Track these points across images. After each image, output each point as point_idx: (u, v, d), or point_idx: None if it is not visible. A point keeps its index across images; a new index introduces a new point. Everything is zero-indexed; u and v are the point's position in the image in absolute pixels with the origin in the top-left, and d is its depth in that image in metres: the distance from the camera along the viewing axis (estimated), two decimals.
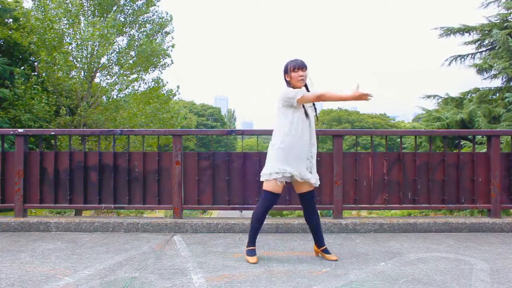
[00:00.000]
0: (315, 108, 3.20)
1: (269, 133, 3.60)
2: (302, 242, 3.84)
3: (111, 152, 4.62)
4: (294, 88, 3.09)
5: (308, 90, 3.14)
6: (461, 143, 10.94)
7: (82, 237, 4.07)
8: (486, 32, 13.68)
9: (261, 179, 3.13)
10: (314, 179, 3.15)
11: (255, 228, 3.17)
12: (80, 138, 16.04)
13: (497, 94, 13.19)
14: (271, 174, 3.05)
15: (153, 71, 19.37)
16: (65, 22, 16.81)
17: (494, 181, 4.52)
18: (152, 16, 19.46)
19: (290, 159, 3.03)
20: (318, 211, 3.36)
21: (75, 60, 17.06)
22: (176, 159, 4.50)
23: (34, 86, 16.12)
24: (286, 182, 3.10)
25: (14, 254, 3.38)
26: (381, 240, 3.92)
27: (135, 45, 18.30)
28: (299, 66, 3.06)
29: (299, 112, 3.06)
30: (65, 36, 16.82)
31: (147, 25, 19.33)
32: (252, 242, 3.19)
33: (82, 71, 17.32)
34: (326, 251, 3.22)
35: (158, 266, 3.01)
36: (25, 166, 4.58)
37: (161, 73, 21.70)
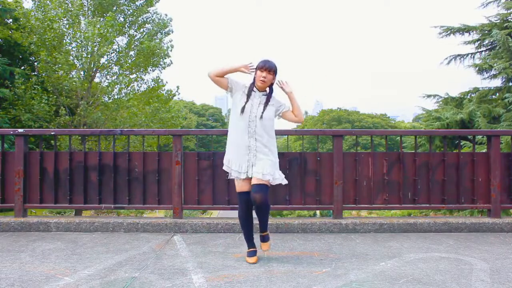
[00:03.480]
0: (264, 108, 3.12)
1: None
2: (302, 242, 3.84)
3: (111, 152, 4.62)
4: (256, 86, 3.16)
5: (271, 93, 3.19)
6: (461, 143, 10.94)
7: (82, 237, 4.07)
8: (486, 32, 13.66)
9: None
10: (260, 174, 3.02)
11: (243, 230, 3.27)
12: (80, 138, 16.04)
13: (497, 94, 13.18)
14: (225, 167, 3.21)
15: (153, 70, 19.36)
16: (65, 22, 16.81)
17: (494, 181, 4.52)
18: (152, 16, 19.46)
19: (233, 153, 3.13)
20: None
21: (75, 60, 17.07)
22: (176, 159, 4.50)
23: (34, 86, 16.11)
24: (248, 178, 3.09)
25: (14, 254, 3.38)
26: (381, 240, 3.92)
27: (134, 44, 18.29)
28: (265, 67, 3.10)
29: (235, 107, 3.16)
30: (65, 36, 16.82)
31: (147, 25, 19.33)
32: (248, 244, 3.25)
33: (82, 71, 17.32)
34: (262, 238, 3.22)
35: (158, 266, 3.01)
36: (25, 166, 4.58)
37: (161, 72, 21.60)
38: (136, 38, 18.66)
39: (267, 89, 3.22)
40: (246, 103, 3.11)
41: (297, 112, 3.24)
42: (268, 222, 4.22)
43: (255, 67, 3.13)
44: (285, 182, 3.16)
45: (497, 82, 13.44)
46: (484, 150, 8.00)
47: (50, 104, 16.46)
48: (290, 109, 3.27)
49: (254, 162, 3.06)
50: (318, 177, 4.56)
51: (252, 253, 3.19)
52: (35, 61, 17.99)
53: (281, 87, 3.22)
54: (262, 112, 3.10)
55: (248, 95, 3.14)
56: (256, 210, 3.16)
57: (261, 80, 3.11)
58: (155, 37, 19.16)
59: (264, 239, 3.22)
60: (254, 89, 3.19)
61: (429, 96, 14.80)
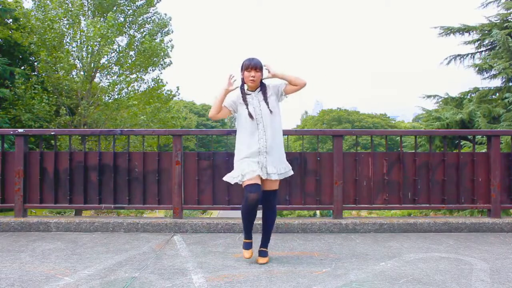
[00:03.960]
0: (266, 102, 3.10)
1: None
2: (302, 242, 3.84)
3: (111, 152, 4.62)
4: (248, 87, 3.16)
5: (264, 88, 3.16)
6: (461, 143, 10.93)
7: (82, 237, 4.07)
8: (486, 32, 13.67)
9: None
10: (275, 175, 3.06)
11: (244, 221, 3.13)
12: (80, 138, 16.04)
13: (497, 94, 13.19)
14: (230, 178, 3.13)
15: (153, 70, 19.39)
16: (65, 22, 16.82)
17: (494, 181, 4.52)
18: (152, 16, 19.49)
19: (243, 161, 3.07)
20: (277, 211, 3.31)
21: (77, 60, 17.09)
22: (176, 159, 4.50)
23: (35, 86, 16.13)
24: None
25: (14, 254, 3.38)
26: (381, 240, 3.92)
27: (134, 44, 18.31)
28: (252, 66, 3.08)
29: (242, 117, 3.13)
30: (66, 36, 16.83)
31: (147, 25, 19.35)
32: (246, 234, 3.17)
33: (82, 71, 17.33)
34: (261, 253, 3.18)
35: (158, 266, 3.01)
36: (25, 166, 4.58)
37: (161, 73, 21.63)
38: (136, 38, 18.68)
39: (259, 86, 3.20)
40: (247, 108, 3.10)
41: (294, 81, 3.12)
42: None
43: (235, 77, 3.13)
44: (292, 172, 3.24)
45: (497, 82, 13.46)
46: (484, 150, 8.00)
47: (51, 104, 16.48)
48: (286, 83, 3.20)
49: (265, 163, 3.04)
50: (318, 177, 4.56)
51: (249, 245, 3.14)
52: (35, 61, 18.01)
53: (264, 78, 3.19)
54: (268, 108, 3.09)
55: (245, 100, 3.13)
56: (264, 214, 3.19)
57: (251, 80, 3.09)
58: (155, 37, 19.18)
59: (263, 254, 3.18)
60: (247, 92, 3.17)
61: (429, 96, 14.81)
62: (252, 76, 3.08)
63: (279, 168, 3.09)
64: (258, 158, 3.04)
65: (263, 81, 3.21)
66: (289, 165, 3.23)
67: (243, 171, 3.02)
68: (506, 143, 10.01)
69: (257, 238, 3.38)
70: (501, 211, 4.55)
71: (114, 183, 4.58)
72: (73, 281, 2.66)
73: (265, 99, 3.12)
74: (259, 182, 3.02)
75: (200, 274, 2.83)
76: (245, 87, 3.22)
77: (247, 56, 3.21)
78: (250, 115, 3.07)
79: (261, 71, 3.12)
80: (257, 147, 3.05)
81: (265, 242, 3.22)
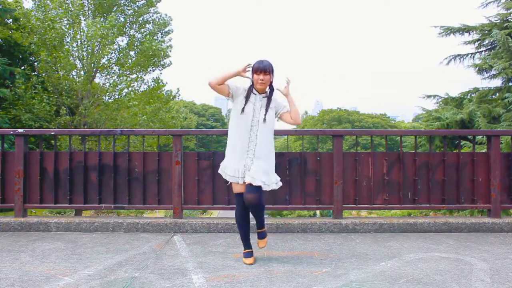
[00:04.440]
0: (266, 110, 3.10)
1: None
2: (302, 242, 3.84)
3: (111, 152, 4.62)
4: (256, 89, 3.14)
5: (271, 94, 3.16)
6: (461, 143, 10.94)
7: (82, 237, 4.07)
8: (486, 32, 13.66)
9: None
10: (252, 179, 2.97)
11: (239, 231, 3.25)
12: (80, 138, 16.04)
13: (497, 94, 13.18)
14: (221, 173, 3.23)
15: (153, 70, 19.38)
16: (66, 22, 16.82)
17: (494, 181, 4.52)
18: (152, 16, 19.49)
19: (230, 158, 3.13)
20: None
21: (77, 60, 17.10)
22: (176, 159, 4.50)
23: (35, 86, 16.14)
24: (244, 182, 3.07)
25: (14, 254, 3.38)
26: (381, 240, 3.92)
27: (135, 44, 18.31)
28: (261, 69, 3.06)
29: (236, 111, 3.12)
30: (66, 36, 16.83)
31: (147, 25, 19.35)
32: (245, 245, 3.23)
33: (82, 71, 17.33)
34: (259, 235, 3.23)
35: (158, 266, 3.01)
36: (25, 166, 4.58)
37: (161, 73, 21.65)
38: (136, 38, 18.67)
39: (268, 89, 3.19)
40: (245, 104, 3.08)
41: (294, 114, 3.22)
42: (268, 222, 4.27)
43: (250, 67, 3.10)
44: (278, 186, 3.14)
45: (497, 82, 13.45)
46: (484, 150, 8.00)
47: (51, 104, 16.49)
48: (288, 110, 3.24)
49: (250, 167, 3.03)
50: (318, 177, 4.56)
51: (249, 254, 3.19)
52: (35, 61, 18.02)
53: (278, 89, 3.21)
54: (265, 115, 3.08)
55: (247, 97, 3.11)
56: (250, 210, 3.16)
57: (259, 83, 3.08)
58: (155, 37, 19.17)
59: (261, 235, 3.23)
60: (254, 91, 3.15)
61: (429, 96, 14.80)
62: (261, 79, 3.07)
63: (258, 174, 2.99)
64: (245, 161, 3.04)
65: (274, 87, 3.20)
66: (272, 179, 3.10)
67: (224, 171, 3.17)
68: (506, 143, 10.01)
69: (254, 238, 3.37)
70: (501, 211, 4.55)
71: (114, 183, 4.58)
72: (73, 281, 2.66)
73: (266, 106, 3.12)
74: (243, 190, 3.08)
75: (200, 274, 2.83)
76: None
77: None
78: (243, 110, 3.06)
79: (270, 75, 3.10)
80: (247, 149, 3.04)
81: (260, 224, 3.21)
